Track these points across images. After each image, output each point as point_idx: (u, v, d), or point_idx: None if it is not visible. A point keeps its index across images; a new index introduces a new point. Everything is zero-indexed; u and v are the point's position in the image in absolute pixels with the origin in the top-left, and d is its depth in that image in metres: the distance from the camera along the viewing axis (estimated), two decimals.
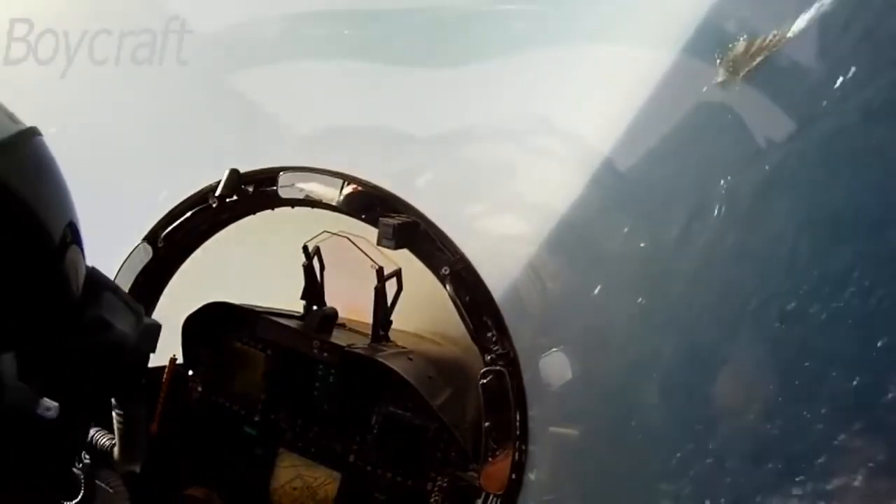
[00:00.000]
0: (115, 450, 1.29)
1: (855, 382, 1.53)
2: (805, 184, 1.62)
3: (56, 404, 0.89)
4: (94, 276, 1.00)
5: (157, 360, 2.00)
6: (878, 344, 1.50)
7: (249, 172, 1.86)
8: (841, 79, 1.56)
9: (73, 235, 0.93)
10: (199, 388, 2.04)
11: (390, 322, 2.03)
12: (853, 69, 1.55)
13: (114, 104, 2.25)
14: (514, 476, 1.69)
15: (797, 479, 1.56)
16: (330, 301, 2.05)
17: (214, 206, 1.88)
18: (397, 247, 1.72)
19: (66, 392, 0.92)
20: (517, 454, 1.68)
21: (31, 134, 0.89)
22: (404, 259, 1.86)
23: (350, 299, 2.10)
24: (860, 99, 1.56)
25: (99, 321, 0.96)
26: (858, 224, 1.55)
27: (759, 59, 1.58)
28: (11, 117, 0.90)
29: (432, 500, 1.84)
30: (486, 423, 1.72)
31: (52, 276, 0.88)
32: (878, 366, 1.51)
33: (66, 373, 0.93)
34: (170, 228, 1.92)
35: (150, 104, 2.19)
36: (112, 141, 2.16)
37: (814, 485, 1.54)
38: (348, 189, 1.79)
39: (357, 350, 1.90)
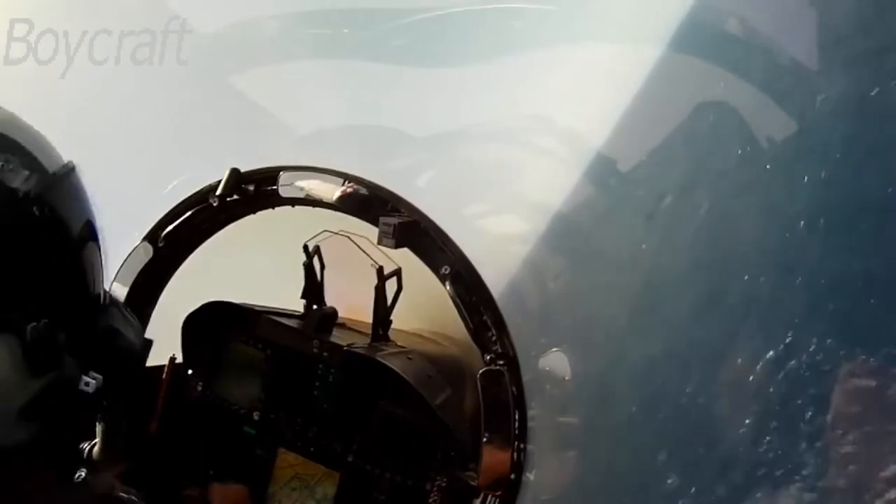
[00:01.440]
0: (97, 449, 1.33)
1: None
2: (804, 181, 1.62)
3: (99, 377, 0.98)
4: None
5: (157, 359, 2.01)
6: None
7: (250, 172, 1.86)
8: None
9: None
10: (199, 388, 2.04)
11: (390, 321, 2.03)
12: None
13: (114, 104, 2.25)
14: (513, 476, 1.69)
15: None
16: (330, 301, 2.05)
17: (215, 205, 1.88)
18: (397, 246, 1.72)
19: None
20: (516, 454, 1.68)
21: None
22: (404, 260, 1.87)
23: (351, 298, 2.10)
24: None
25: (111, 329, 1.05)
26: (857, 222, 1.56)
27: None
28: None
29: (431, 499, 1.84)
30: (486, 423, 1.72)
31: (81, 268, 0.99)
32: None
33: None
34: (170, 228, 1.92)
35: (150, 104, 2.19)
36: (112, 141, 2.16)
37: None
38: (348, 188, 1.79)
39: (357, 349, 1.91)
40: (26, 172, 0.93)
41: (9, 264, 0.89)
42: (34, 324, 0.90)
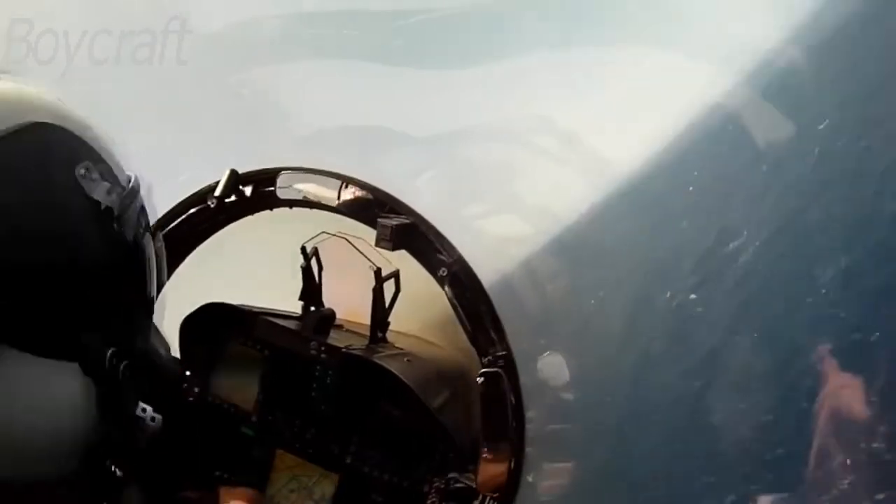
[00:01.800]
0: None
1: None
2: (812, 192, 1.62)
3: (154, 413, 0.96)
4: None
5: None
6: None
7: (248, 173, 1.86)
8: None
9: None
10: (196, 389, 2.04)
11: (388, 323, 2.03)
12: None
13: (114, 104, 2.25)
14: (511, 478, 1.69)
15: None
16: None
17: (213, 206, 1.88)
18: (395, 248, 1.72)
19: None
20: (514, 456, 1.68)
21: None
22: (403, 263, 1.87)
23: (348, 300, 2.10)
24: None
25: (156, 353, 1.02)
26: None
27: None
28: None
29: (429, 501, 1.84)
30: (484, 425, 1.71)
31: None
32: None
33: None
34: (167, 229, 1.92)
35: (150, 104, 2.19)
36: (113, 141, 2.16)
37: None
38: (347, 190, 1.79)
39: (355, 351, 1.91)
40: (106, 185, 0.86)
41: (88, 285, 0.82)
42: (105, 351, 0.84)
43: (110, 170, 0.90)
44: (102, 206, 0.85)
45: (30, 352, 0.78)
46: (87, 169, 0.85)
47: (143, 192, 0.96)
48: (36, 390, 0.80)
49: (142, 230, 0.92)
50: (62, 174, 0.83)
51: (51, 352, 0.80)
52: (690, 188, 1.71)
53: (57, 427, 0.83)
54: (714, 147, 1.69)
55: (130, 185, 0.92)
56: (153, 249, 0.94)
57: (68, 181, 0.83)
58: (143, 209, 0.94)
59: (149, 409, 0.94)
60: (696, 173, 1.71)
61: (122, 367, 0.84)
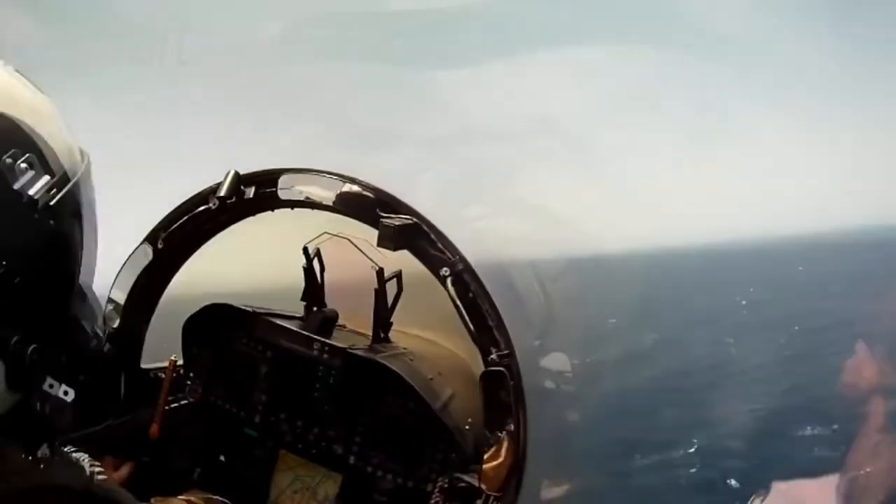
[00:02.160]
0: None
1: None
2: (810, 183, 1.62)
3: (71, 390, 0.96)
4: None
5: (158, 361, 2.02)
6: None
7: (250, 174, 1.86)
8: None
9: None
10: (199, 390, 2.04)
11: (391, 324, 2.03)
12: None
13: (114, 104, 2.25)
14: (513, 477, 1.69)
15: None
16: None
17: (215, 207, 1.88)
18: (397, 248, 1.72)
19: None
20: (517, 456, 1.68)
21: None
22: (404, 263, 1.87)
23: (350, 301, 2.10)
24: None
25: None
26: None
27: None
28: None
29: (432, 501, 1.84)
30: (486, 425, 1.71)
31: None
32: None
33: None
34: (170, 229, 1.92)
35: (150, 104, 2.19)
36: (113, 141, 2.16)
37: None
38: (348, 190, 1.79)
39: (357, 351, 1.90)
40: (31, 174, 0.87)
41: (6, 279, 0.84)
42: (10, 339, 0.87)
43: (42, 156, 0.89)
44: (24, 198, 0.86)
45: None
46: (12, 158, 0.85)
47: (82, 170, 0.97)
48: None
49: (68, 215, 0.92)
50: None
51: None
52: (693, 186, 1.71)
53: None
54: (717, 144, 1.70)
55: (63, 170, 0.92)
56: (80, 229, 0.95)
57: None
58: (74, 192, 0.94)
59: (59, 385, 0.95)
60: (700, 171, 1.72)
61: (29, 350, 0.87)
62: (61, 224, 0.91)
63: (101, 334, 1.09)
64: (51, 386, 0.93)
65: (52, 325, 0.93)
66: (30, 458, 0.93)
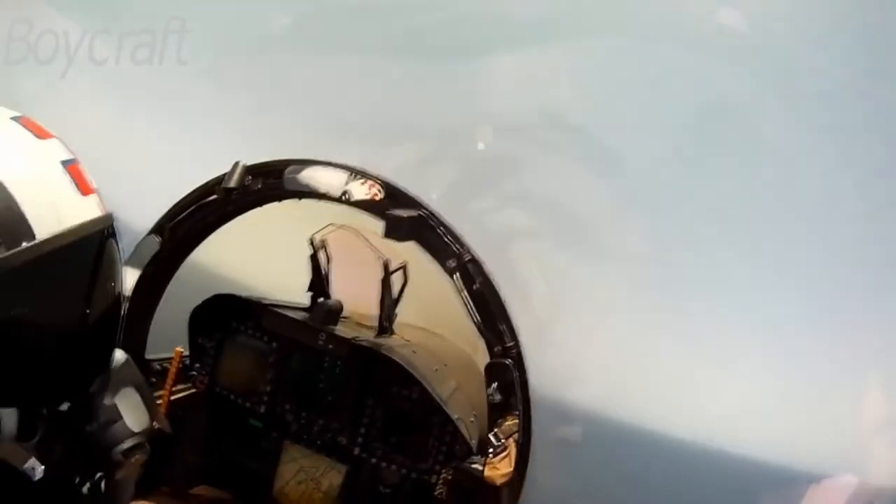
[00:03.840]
0: None
1: None
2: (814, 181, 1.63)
3: (42, 467, 0.92)
4: (123, 370, 1.04)
5: (164, 351, 2.02)
6: None
7: (256, 165, 1.86)
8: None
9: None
10: (205, 381, 2.05)
11: (395, 315, 2.03)
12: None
13: (114, 104, 2.25)
14: (518, 469, 1.70)
15: None
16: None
17: (221, 198, 1.88)
18: (404, 239, 1.72)
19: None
20: (521, 447, 1.69)
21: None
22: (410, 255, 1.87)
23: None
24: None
25: (110, 410, 1.00)
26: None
27: None
28: None
29: (437, 491, 1.85)
30: (490, 416, 1.72)
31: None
32: None
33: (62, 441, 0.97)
34: (176, 220, 1.92)
35: (151, 103, 2.19)
36: (113, 141, 2.17)
37: None
38: (355, 182, 1.79)
39: (362, 342, 1.91)
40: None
41: None
42: None
43: (11, 223, 0.85)
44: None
45: None
46: None
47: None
48: None
49: (29, 287, 0.87)
50: None
51: None
52: (697, 182, 1.71)
53: None
54: (720, 140, 1.70)
55: (53, 233, 0.88)
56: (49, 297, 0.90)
57: None
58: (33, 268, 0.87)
59: (39, 467, 0.92)
60: (701, 168, 1.72)
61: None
62: (19, 283, 0.86)
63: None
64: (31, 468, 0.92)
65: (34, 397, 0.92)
66: None
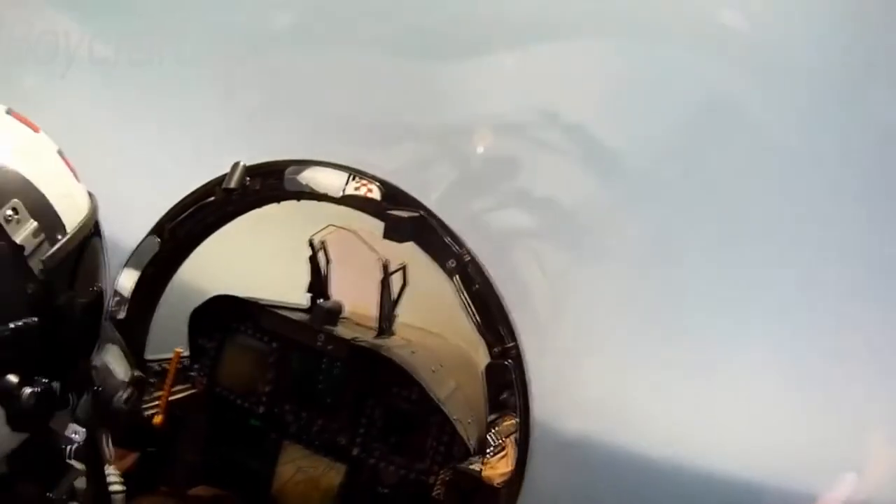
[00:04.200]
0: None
1: None
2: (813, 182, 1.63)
3: (83, 430, 1.06)
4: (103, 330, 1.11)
5: (163, 352, 2.02)
6: None
7: (255, 165, 1.86)
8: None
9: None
10: (205, 381, 2.05)
11: (395, 316, 2.04)
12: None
13: (115, 104, 2.25)
14: (516, 470, 1.70)
15: None
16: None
17: (221, 199, 1.89)
18: (404, 240, 1.73)
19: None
20: (520, 448, 1.69)
21: None
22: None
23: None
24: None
25: (104, 369, 1.08)
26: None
27: None
28: None
29: (435, 492, 1.85)
30: (490, 417, 1.72)
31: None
32: None
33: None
34: (176, 221, 1.92)
35: (151, 103, 2.20)
36: (113, 141, 2.17)
37: None
38: (354, 182, 1.79)
39: (361, 343, 1.92)
40: (34, 224, 0.87)
41: (20, 331, 0.86)
42: (26, 390, 0.89)
43: (53, 211, 0.90)
44: (26, 251, 0.86)
45: None
46: (14, 210, 0.85)
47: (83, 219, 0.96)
48: None
49: (70, 270, 0.93)
50: None
51: None
52: (695, 181, 1.71)
53: None
54: (720, 139, 1.70)
55: (77, 225, 0.93)
56: (86, 284, 0.95)
57: None
58: (84, 247, 0.94)
59: (69, 426, 1.01)
60: (702, 168, 1.72)
61: (26, 395, 0.89)
62: (63, 273, 0.92)
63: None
64: (73, 432, 0.99)
65: (64, 373, 0.95)
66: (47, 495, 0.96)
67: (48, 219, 0.89)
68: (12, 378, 0.88)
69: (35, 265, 0.87)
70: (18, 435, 0.93)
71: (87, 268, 0.95)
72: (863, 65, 1.63)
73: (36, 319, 0.87)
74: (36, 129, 0.97)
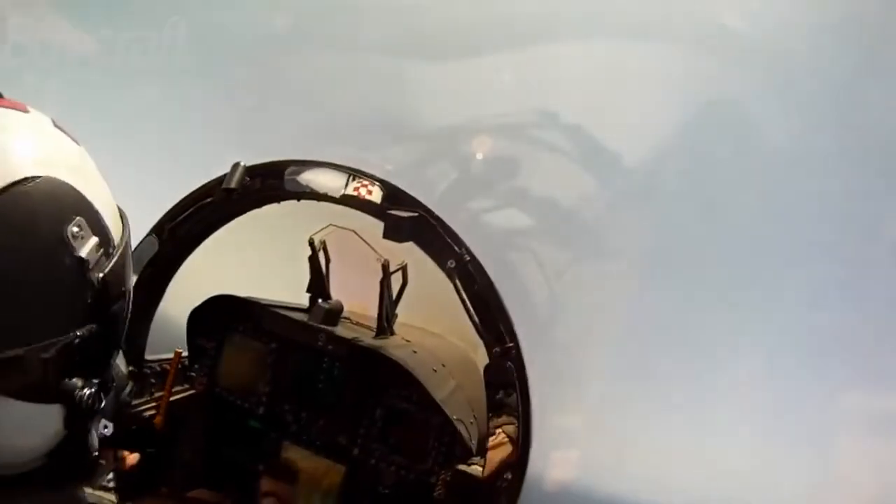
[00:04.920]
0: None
1: None
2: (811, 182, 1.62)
3: (111, 424, 1.08)
4: None
5: (163, 352, 2.02)
6: None
7: (255, 166, 1.86)
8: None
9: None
10: (204, 382, 2.05)
11: (395, 316, 2.03)
12: None
13: (115, 104, 2.25)
14: (517, 470, 1.70)
15: None
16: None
17: (221, 199, 1.89)
18: (404, 240, 1.72)
19: None
20: (520, 448, 1.69)
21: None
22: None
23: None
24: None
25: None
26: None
27: None
28: None
29: (436, 492, 1.85)
30: (490, 418, 1.72)
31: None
32: None
33: None
34: (176, 221, 1.92)
35: (151, 103, 2.20)
36: (113, 141, 2.17)
37: None
38: (354, 183, 1.79)
39: (362, 342, 1.92)
40: (95, 240, 0.93)
41: (77, 342, 0.92)
42: (85, 391, 0.95)
43: (98, 216, 0.95)
44: (90, 264, 0.92)
45: (11, 396, 0.90)
46: (79, 227, 0.91)
47: (126, 236, 1.02)
48: (15, 423, 0.93)
49: (121, 281, 0.99)
50: (51, 233, 0.90)
51: (35, 398, 0.93)
52: (695, 181, 1.71)
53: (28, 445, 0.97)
54: (720, 140, 1.70)
55: (120, 238, 0.99)
56: (126, 293, 1.02)
57: (58, 239, 0.90)
58: (126, 258, 1.01)
59: (106, 423, 1.07)
60: (700, 166, 1.72)
61: (86, 395, 0.95)
62: (115, 288, 0.97)
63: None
64: (104, 427, 1.05)
65: (103, 377, 1.00)
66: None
67: (103, 235, 0.95)
68: (77, 381, 0.94)
69: (94, 278, 0.93)
70: (63, 432, 0.98)
71: (126, 275, 1.01)
72: (863, 66, 1.63)
73: (95, 326, 0.94)
74: (77, 143, 1.01)
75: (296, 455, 2.00)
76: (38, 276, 0.88)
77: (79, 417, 0.97)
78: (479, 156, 1.86)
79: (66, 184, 0.92)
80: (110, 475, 1.55)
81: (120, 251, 0.97)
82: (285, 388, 1.99)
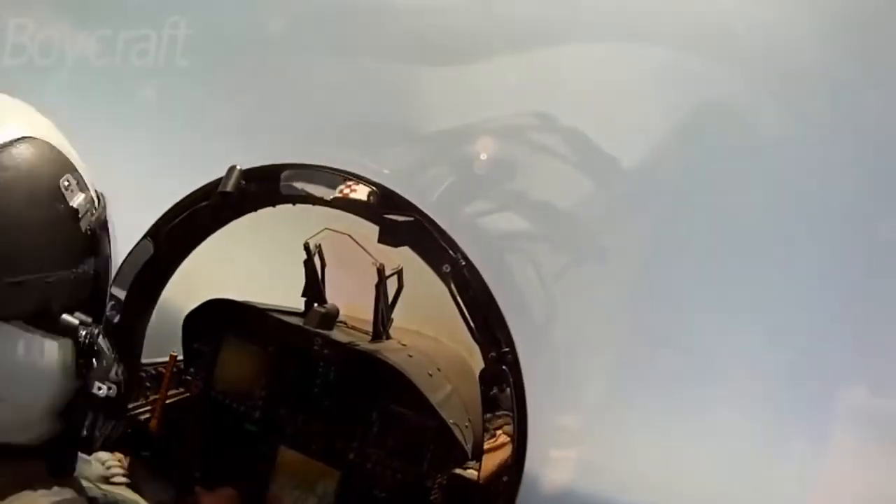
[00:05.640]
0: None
1: None
2: (809, 183, 1.62)
3: (113, 385, 1.10)
4: None
5: (158, 356, 2.02)
6: None
7: (251, 169, 1.86)
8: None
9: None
10: (200, 385, 2.05)
11: (391, 320, 2.03)
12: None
13: (114, 104, 2.25)
14: (513, 474, 1.70)
15: None
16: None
17: (217, 202, 1.88)
18: (399, 244, 1.72)
19: None
20: (516, 452, 1.69)
21: None
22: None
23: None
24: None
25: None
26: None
27: None
28: None
29: (432, 496, 1.84)
30: (486, 421, 1.72)
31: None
32: None
33: None
34: (171, 224, 1.92)
35: (151, 103, 2.19)
36: (113, 141, 2.16)
37: None
38: (349, 186, 1.79)
39: (357, 347, 1.91)
40: (83, 194, 1.06)
41: (73, 278, 1.04)
42: (89, 329, 1.04)
43: (83, 180, 1.09)
44: (80, 213, 1.04)
45: (21, 318, 0.99)
46: (68, 181, 1.04)
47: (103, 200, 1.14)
48: (29, 358, 1.01)
49: (103, 230, 1.13)
50: (50, 182, 1.03)
51: (44, 327, 1.02)
52: (693, 184, 1.71)
53: (43, 390, 1.04)
54: (718, 144, 1.69)
55: (96, 192, 1.12)
56: (108, 245, 1.15)
57: (55, 188, 1.03)
58: (106, 225, 1.14)
59: (108, 387, 1.11)
60: (698, 170, 1.71)
61: (84, 333, 1.05)
62: (100, 235, 1.10)
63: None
64: (98, 388, 1.08)
65: (97, 318, 1.10)
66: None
67: (88, 193, 1.07)
68: (84, 316, 1.05)
69: (84, 227, 1.05)
70: (75, 382, 1.06)
71: (107, 239, 1.14)
72: (863, 66, 1.62)
73: (87, 269, 1.07)
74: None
75: (291, 459, 2.00)
76: (41, 216, 1.00)
77: (89, 355, 1.05)
78: (475, 159, 1.85)
79: (55, 147, 1.05)
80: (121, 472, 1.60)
81: (101, 212, 1.10)
82: (281, 392, 1.99)
